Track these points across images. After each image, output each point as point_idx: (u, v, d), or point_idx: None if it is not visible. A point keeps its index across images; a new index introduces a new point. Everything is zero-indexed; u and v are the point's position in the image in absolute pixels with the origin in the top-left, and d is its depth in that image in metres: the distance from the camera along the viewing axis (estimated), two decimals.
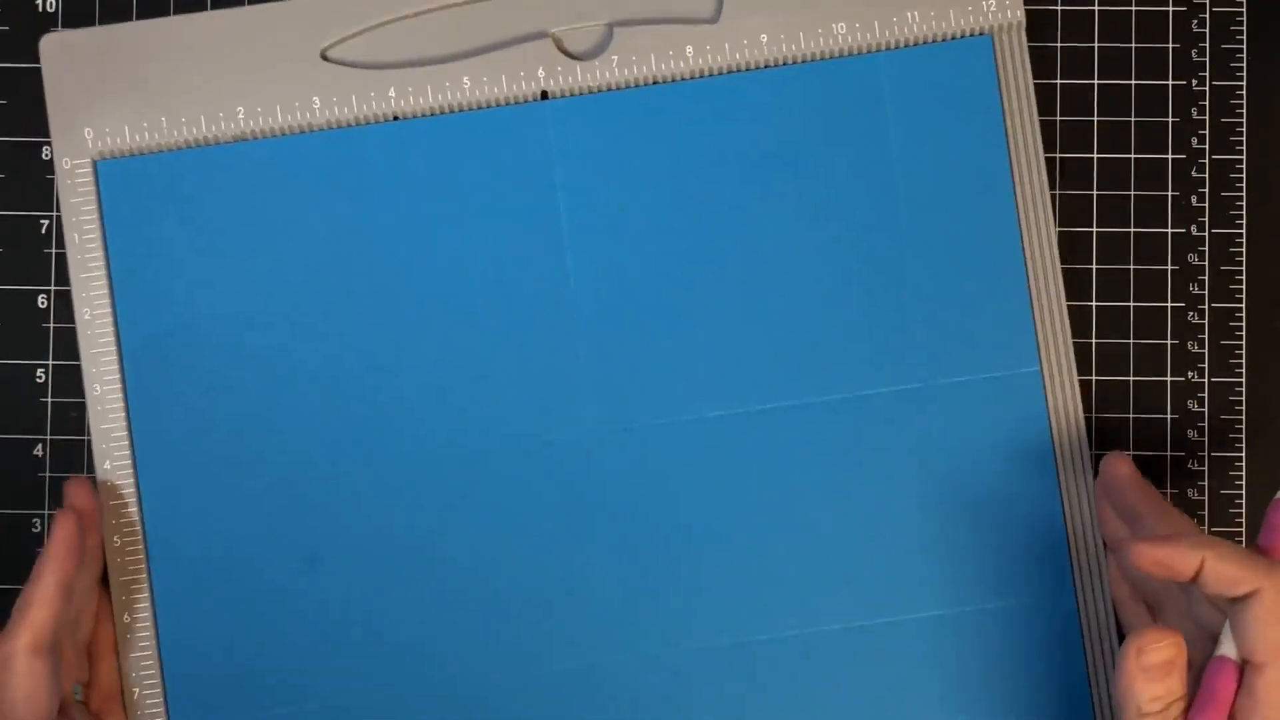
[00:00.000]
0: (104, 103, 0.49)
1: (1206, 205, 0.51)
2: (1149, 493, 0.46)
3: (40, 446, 0.51)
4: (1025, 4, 0.49)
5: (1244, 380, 0.51)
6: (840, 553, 0.48)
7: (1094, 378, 0.51)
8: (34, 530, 0.51)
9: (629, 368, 0.49)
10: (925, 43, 0.49)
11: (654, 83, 0.49)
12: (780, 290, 0.49)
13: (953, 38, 0.49)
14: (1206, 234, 0.51)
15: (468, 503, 0.49)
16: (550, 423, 0.49)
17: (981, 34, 0.49)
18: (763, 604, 0.48)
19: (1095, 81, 0.52)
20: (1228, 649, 0.41)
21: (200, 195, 0.49)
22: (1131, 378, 0.51)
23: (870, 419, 0.48)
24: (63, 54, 0.49)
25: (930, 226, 0.49)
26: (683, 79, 0.49)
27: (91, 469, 0.50)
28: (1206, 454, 0.51)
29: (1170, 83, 0.52)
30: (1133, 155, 0.51)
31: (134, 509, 0.49)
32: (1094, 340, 0.51)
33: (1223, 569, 0.40)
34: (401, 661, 0.49)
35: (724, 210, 0.49)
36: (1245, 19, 0.52)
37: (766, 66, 0.49)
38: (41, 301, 0.51)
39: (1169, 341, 0.51)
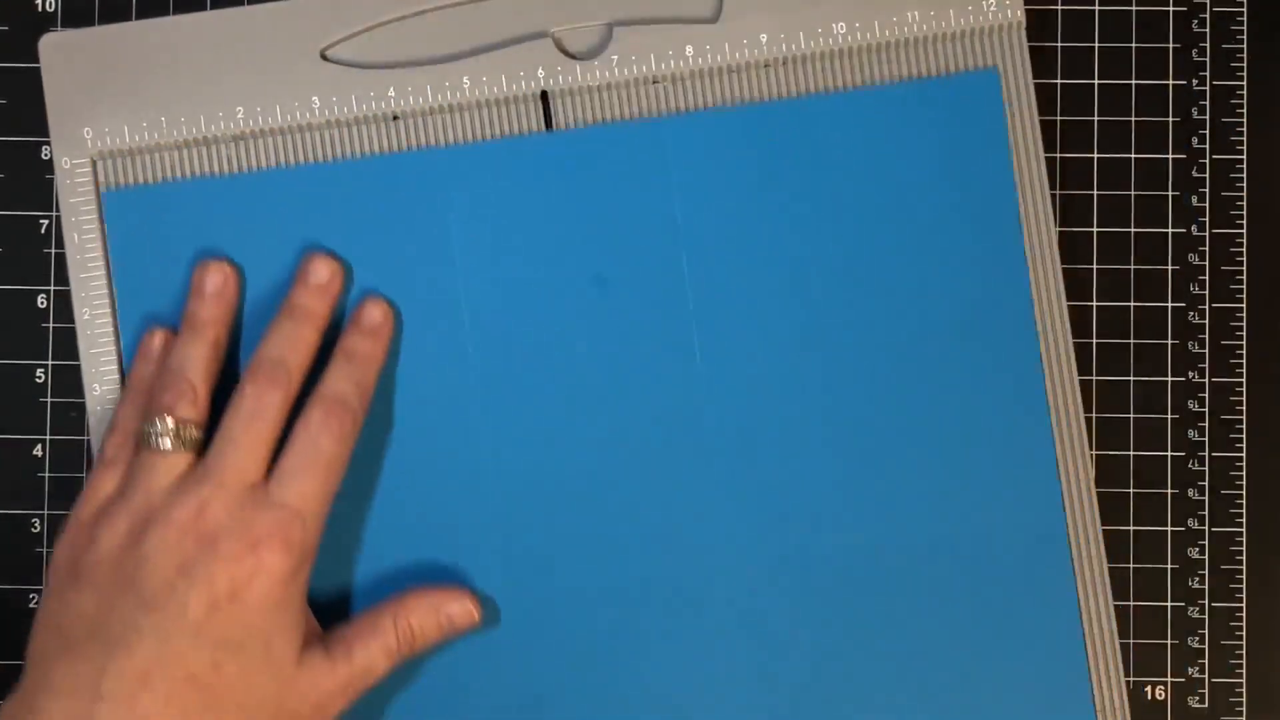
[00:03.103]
0: (104, 103, 0.49)
1: (1207, 205, 0.51)
2: None
3: (40, 446, 0.51)
4: (1025, 4, 0.49)
5: (1244, 380, 0.51)
6: (846, 545, 0.48)
7: (1094, 378, 0.51)
8: (34, 530, 0.51)
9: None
10: (926, 39, 0.49)
11: (654, 82, 0.49)
12: (772, 312, 0.49)
13: (953, 37, 0.49)
14: (1207, 234, 0.51)
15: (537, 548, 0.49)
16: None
17: (983, 33, 0.49)
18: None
19: (1095, 81, 0.52)
20: None
21: (211, 228, 0.49)
22: (1131, 378, 0.51)
23: (872, 419, 0.48)
24: (62, 54, 0.49)
25: (932, 237, 0.49)
26: (683, 78, 0.49)
27: (91, 469, 0.50)
28: (1207, 454, 0.51)
29: (1170, 83, 0.52)
30: (1133, 155, 0.51)
31: None
32: (1094, 340, 0.51)
33: None
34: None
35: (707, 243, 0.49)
36: (1245, 19, 0.52)
37: (766, 66, 0.49)
38: (41, 301, 0.51)
39: (1169, 341, 0.51)
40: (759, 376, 0.49)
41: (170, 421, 0.45)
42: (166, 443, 0.44)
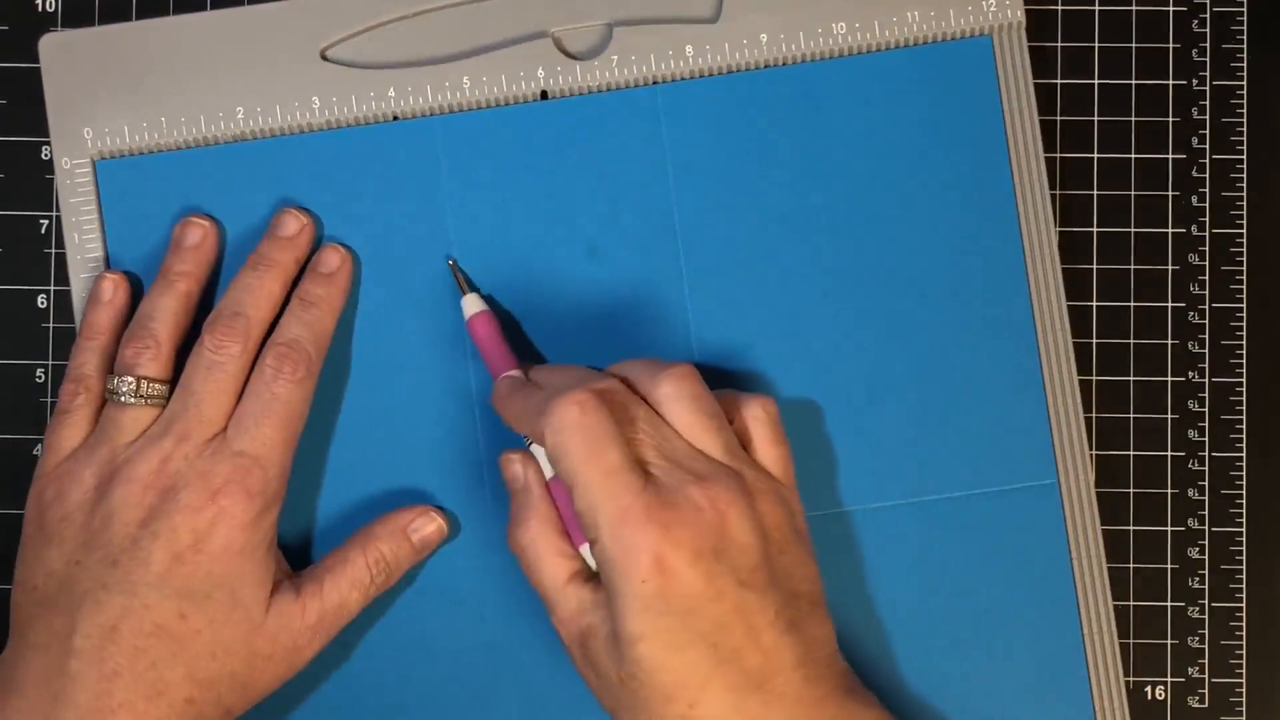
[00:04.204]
0: (104, 103, 0.49)
1: (1207, 205, 0.51)
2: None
3: (40, 446, 0.51)
4: (1025, 4, 0.49)
5: (1244, 380, 0.51)
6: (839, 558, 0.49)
7: (1094, 378, 0.51)
8: None
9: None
10: (925, 43, 0.49)
11: (654, 82, 0.49)
12: (768, 302, 0.49)
13: (953, 38, 0.49)
14: (1207, 234, 0.51)
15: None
16: None
17: (982, 34, 0.49)
18: None
19: (1095, 81, 0.52)
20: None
21: (200, 195, 0.49)
22: (1131, 378, 0.51)
23: (867, 427, 0.48)
24: (62, 54, 0.49)
25: (930, 227, 0.49)
26: (682, 79, 0.49)
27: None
28: (1207, 454, 0.51)
29: (1170, 83, 0.52)
30: (1133, 155, 0.51)
31: None
32: (1094, 340, 0.51)
33: (518, 424, 0.45)
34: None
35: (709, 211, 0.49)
36: (1245, 19, 0.52)
37: (766, 66, 0.49)
38: (41, 301, 0.51)
39: (1169, 341, 0.51)
40: (752, 350, 0.49)
41: (131, 381, 0.45)
42: (130, 399, 0.45)
